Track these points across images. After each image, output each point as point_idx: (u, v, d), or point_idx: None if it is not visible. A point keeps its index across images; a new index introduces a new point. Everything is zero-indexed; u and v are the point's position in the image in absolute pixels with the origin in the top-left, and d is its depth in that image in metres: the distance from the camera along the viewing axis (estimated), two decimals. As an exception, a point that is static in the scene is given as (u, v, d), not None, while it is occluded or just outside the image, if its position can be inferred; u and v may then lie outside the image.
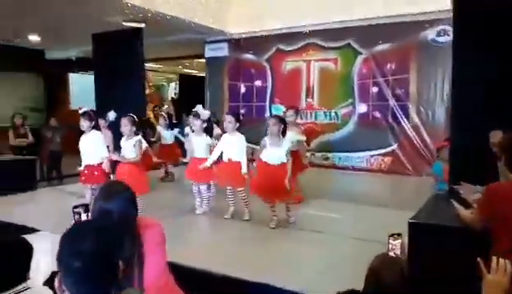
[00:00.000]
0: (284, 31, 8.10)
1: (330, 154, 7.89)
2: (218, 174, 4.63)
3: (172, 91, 14.99)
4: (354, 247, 3.62)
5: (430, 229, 2.44)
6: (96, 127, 4.66)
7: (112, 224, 1.37)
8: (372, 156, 7.50)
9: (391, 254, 2.51)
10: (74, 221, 2.13)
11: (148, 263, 1.83)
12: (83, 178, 4.54)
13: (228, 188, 4.61)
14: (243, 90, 8.82)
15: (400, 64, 7.25)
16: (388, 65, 7.34)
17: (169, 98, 14.84)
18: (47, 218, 4.32)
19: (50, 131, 7.98)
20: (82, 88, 11.80)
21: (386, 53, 7.35)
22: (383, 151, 7.42)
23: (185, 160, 5.50)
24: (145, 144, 4.62)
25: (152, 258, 1.85)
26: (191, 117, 5.14)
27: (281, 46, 8.31)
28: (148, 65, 14.09)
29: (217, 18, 8.20)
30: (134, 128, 4.43)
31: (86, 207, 2.02)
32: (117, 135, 5.39)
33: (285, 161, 4.17)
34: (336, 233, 3.97)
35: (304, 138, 5.52)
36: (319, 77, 8.00)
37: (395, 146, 7.31)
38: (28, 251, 1.61)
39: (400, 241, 2.55)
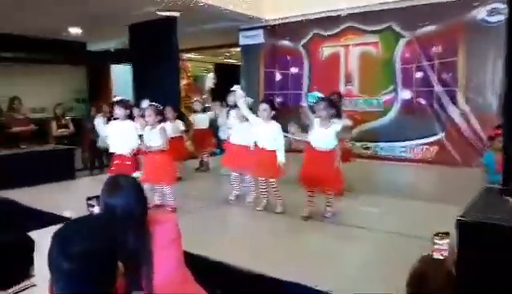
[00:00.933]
0: (321, 15, 7.76)
1: (370, 144, 7.51)
2: (252, 164, 4.47)
3: (210, 81, 14.94)
4: (395, 244, 3.34)
5: (483, 228, 2.14)
6: (130, 117, 4.60)
7: (110, 221, 1.23)
8: (416, 145, 7.07)
9: (436, 255, 2.24)
10: (88, 213, 2.05)
11: (158, 261, 1.69)
12: (112, 168, 4.50)
13: (261, 179, 4.44)
14: (278, 78, 8.58)
15: (447, 46, 6.74)
16: (434, 48, 6.85)
17: (207, 88, 14.79)
18: (78, 208, 4.32)
19: (91, 122, 8.12)
20: (124, 79, 12.01)
21: (431, 35, 6.85)
22: (428, 140, 6.96)
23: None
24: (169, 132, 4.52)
25: (163, 256, 1.71)
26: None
27: (318, 31, 7.97)
28: (187, 56, 14.18)
29: (252, 4, 7.98)
30: (159, 117, 4.35)
31: (99, 199, 1.92)
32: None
33: (334, 146, 3.95)
34: (375, 229, 3.70)
35: (350, 123, 5.28)
36: (358, 62, 7.61)
37: (441, 135, 6.84)
38: (29, 248, 1.50)
39: (447, 241, 2.28)
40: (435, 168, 6.62)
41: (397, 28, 7.13)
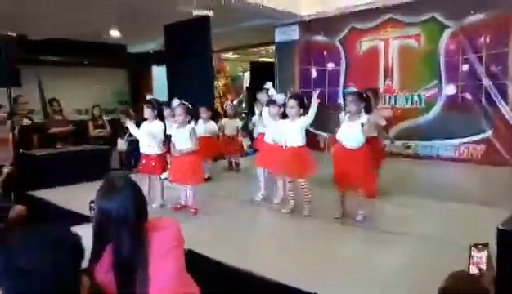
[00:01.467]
0: (359, 8, 7.42)
1: (412, 142, 7.09)
2: (277, 163, 4.28)
3: (247, 80, 14.89)
4: (430, 251, 3.05)
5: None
6: (160, 117, 4.55)
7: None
8: (462, 144, 6.57)
9: (473, 269, 1.97)
10: (90, 216, 1.96)
11: (155, 271, 1.56)
12: (140, 167, 4.48)
13: (289, 179, 4.25)
14: (314, 74, 8.30)
15: (496, 36, 6.21)
16: (482, 39, 6.33)
17: (244, 88, 14.76)
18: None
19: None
20: (165, 80, 12.19)
21: (478, 25, 6.34)
22: (475, 138, 6.46)
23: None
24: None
25: (161, 265, 1.58)
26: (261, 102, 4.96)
27: (356, 25, 7.63)
28: (224, 56, 14.18)
29: (287, 0, 7.79)
30: (189, 117, 4.26)
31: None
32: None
33: (362, 143, 3.72)
34: (410, 234, 3.41)
35: (384, 122, 4.98)
36: (399, 56, 7.20)
37: (489, 132, 6.31)
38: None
39: (486, 253, 2.00)
40: (482, 168, 6.11)
41: (441, 19, 6.66)
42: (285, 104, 4.62)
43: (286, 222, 4.04)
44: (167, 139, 4.71)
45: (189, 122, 4.27)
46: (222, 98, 12.83)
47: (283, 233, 3.77)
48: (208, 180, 5.73)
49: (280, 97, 4.71)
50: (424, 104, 6.97)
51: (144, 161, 4.44)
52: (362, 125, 3.69)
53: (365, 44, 7.60)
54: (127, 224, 1.62)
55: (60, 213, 4.45)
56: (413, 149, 7.07)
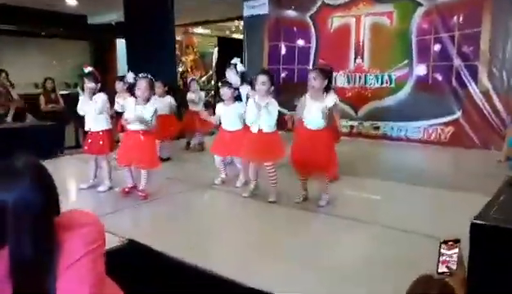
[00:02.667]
0: (330, -18, 7.11)
1: (380, 123, 6.92)
2: (245, 147, 3.95)
3: (215, 56, 14.38)
4: (397, 241, 2.83)
5: (505, 233, 1.62)
6: (103, 90, 4.10)
7: None
8: (431, 126, 6.44)
9: (442, 268, 1.72)
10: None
11: (66, 281, 1.22)
12: (85, 147, 4.07)
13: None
14: (284, 51, 7.97)
15: (469, 16, 6.04)
16: (455, 18, 6.15)
17: (213, 64, 14.25)
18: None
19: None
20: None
21: (452, 4, 6.14)
22: (444, 120, 6.33)
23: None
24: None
25: (73, 274, 1.24)
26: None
27: (327, 1, 7.31)
28: (195, 31, 13.60)
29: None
30: (152, 92, 3.85)
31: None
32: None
33: (326, 124, 3.44)
34: (375, 222, 3.19)
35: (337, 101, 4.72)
36: (370, 34, 6.94)
37: (459, 114, 6.19)
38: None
39: (457, 250, 1.75)
40: (451, 150, 6.02)
41: (415, -4, 6.44)
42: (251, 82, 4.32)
43: (245, 208, 3.76)
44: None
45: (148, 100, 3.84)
46: (189, 73, 12.28)
47: (240, 221, 3.49)
48: (167, 160, 5.38)
49: (235, 79, 4.38)
50: (394, 85, 6.78)
51: (90, 140, 4.02)
52: (330, 109, 3.41)
53: (336, 21, 7.30)
54: (28, 220, 1.24)
55: None
56: (382, 129, 6.90)
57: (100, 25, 11.82)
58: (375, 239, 2.91)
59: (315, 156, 3.40)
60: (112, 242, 2.53)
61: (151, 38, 7.15)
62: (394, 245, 2.76)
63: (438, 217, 3.16)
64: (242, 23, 9.19)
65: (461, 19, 6.09)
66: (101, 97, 3.97)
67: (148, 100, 3.79)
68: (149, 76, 3.81)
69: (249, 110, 3.71)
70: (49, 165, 1.39)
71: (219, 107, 4.27)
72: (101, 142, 3.96)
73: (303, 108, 3.56)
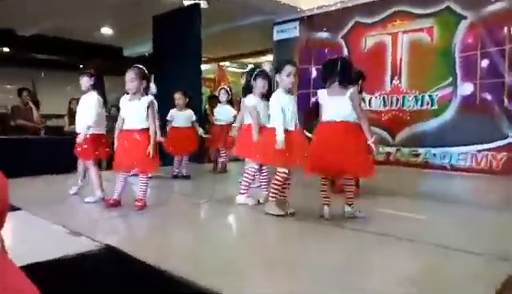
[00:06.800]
0: (363, 0, 6.71)
1: (421, 150, 6.19)
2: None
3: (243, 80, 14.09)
4: (439, 260, 2.15)
5: None
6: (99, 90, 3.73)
7: None
8: (480, 151, 5.65)
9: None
10: None
11: None
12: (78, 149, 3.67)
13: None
14: (314, 74, 7.53)
15: (521, 27, 5.40)
16: (505, 30, 5.51)
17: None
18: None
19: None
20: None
21: (500, 14, 5.53)
22: (495, 145, 5.52)
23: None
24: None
25: None
26: None
27: (361, 19, 6.88)
28: (226, 65, 13.55)
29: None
30: (144, 83, 3.39)
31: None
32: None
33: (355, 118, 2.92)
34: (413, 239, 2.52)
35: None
36: (409, 52, 6.38)
37: (513, 138, 5.41)
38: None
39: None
40: (504, 180, 5.18)
41: (457, 9, 5.87)
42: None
43: (258, 221, 3.17)
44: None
45: (145, 93, 3.42)
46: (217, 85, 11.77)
47: (250, 235, 2.91)
48: (185, 178, 4.97)
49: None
50: (436, 106, 6.09)
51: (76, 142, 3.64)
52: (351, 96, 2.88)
53: (370, 40, 6.82)
54: None
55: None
56: (422, 156, 6.16)
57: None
58: (414, 257, 2.23)
59: (341, 150, 2.82)
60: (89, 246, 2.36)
61: (178, 72, 6.98)
62: (435, 264, 2.08)
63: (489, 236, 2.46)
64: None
65: (512, 31, 5.45)
66: (93, 96, 3.62)
67: (141, 93, 3.37)
68: (139, 66, 3.41)
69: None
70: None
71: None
72: (85, 146, 3.55)
73: (324, 107, 3.06)
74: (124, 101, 3.41)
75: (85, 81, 3.63)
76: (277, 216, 3.08)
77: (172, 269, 1.94)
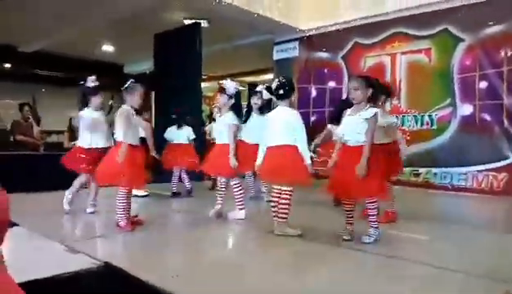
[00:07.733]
0: (363, 21, 6.81)
1: (421, 170, 6.18)
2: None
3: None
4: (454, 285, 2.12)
5: None
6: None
7: None
8: (480, 171, 5.66)
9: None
10: None
11: None
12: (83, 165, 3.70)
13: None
14: (314, 94, 7.58)
15: (520, 49, 5.47)
16: (502, 52, 5.58)
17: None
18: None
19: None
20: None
21: (498, 37, 5.61)
22: (495, 165, 5.55)
23: None
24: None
25: None
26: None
27: (360, 40, 6.97)
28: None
29: (285, 13, 7.21)
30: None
31: None
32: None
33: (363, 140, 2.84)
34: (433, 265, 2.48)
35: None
36: (407, 73, 6.45)
37: (513, 158, 5.42)
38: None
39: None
40: (505, 201, 5.16)
41: (455, 31, 5.96)
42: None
43: (259, 239, 3.13)
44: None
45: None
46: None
47: (249, 257, 2.86)
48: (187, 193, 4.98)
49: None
50: (435, 126, 6.12)
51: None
52: (367, 120, 2.83)
53: (370, 60, 6.90)
54: None
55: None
56: (423, 176, 6.15)
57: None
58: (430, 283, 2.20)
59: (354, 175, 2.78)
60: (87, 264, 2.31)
61: (179, 89, 7.03)
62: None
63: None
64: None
65: (510, 53, 5.51)
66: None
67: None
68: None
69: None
70: None
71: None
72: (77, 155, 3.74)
73: (343, 123, 3.04)
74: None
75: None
76: (292, 236, 3.04)
77: (171, 289, 1.90)
